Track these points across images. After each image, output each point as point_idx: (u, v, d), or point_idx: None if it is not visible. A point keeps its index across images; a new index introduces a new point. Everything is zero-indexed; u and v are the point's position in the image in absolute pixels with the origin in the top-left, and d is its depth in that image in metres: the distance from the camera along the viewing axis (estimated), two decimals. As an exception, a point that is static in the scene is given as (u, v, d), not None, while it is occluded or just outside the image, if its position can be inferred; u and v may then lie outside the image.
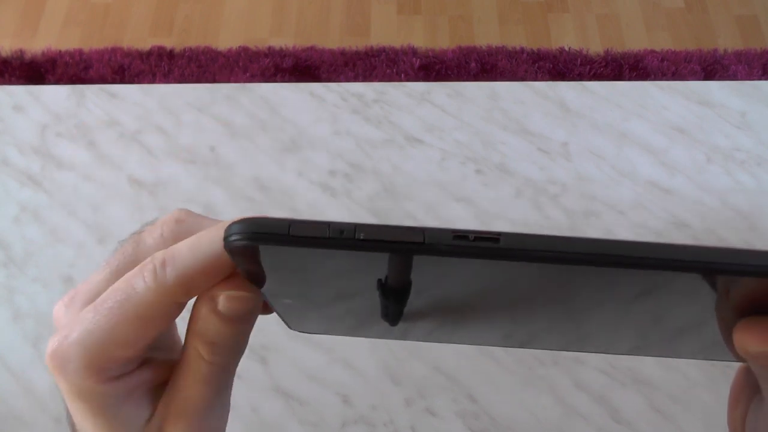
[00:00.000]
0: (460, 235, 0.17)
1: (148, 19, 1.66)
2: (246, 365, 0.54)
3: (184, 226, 0.23)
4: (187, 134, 0.67)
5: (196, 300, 0.22)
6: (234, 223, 0.18)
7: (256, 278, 0.21)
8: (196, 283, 0.21)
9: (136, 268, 0.21)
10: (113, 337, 0.21)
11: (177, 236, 0.23)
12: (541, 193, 0.63)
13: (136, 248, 0.23)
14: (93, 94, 0.70)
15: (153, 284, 0.21)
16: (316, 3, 1.69)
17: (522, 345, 0.26)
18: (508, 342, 0.25)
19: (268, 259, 0.19)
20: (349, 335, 0.26)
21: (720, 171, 0.65)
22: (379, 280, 0.20)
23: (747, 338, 0.19)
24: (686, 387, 0.54)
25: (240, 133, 0.67)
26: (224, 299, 0.21)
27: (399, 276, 0.19)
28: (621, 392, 0.54)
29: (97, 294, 0.22)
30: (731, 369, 0.54)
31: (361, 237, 0.17)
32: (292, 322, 0.24)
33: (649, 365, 0.55)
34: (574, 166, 0.65)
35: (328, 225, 0.17)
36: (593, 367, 0.55)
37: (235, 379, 0.21)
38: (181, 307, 0.21)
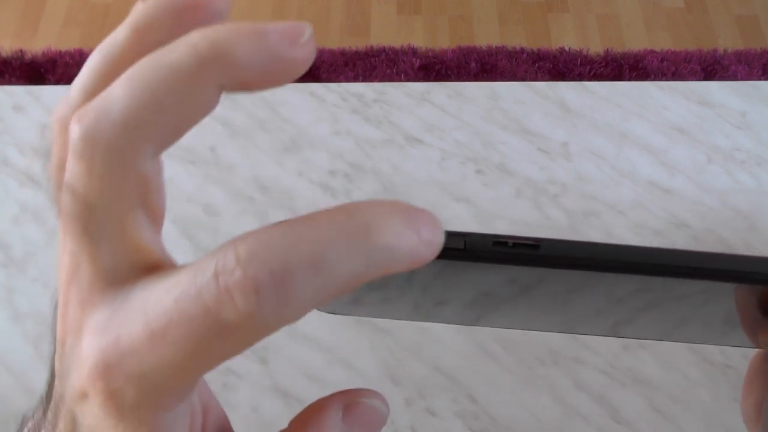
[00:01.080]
0: (500, 242, 0.17)
1: (148, 19, 1.66)
2: (246, 365, 0.54)
3: None
4: (187, 134, 0.67)
5: (322, 406, 0.18)
6: None
7: None
8: (318, 301, 0.15)
9: (216, 282, 0.15)
10: (181, 375, 0.15)
11: None
12: (541, 193, 0.63)
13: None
14: (93, 94, 0.70)
15: (250, 318, 0.14)
16: (316, 3, 1.69)
17: (569, 331, 0.26)
18: (556, 327, 0.26)
19: None
20: (379, 316, 0.26)
21: (720, 171, 0.65)
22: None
23: None
24: (686, 387, 0.54)
25: (240, 133, 0.67)
26: (360, 409, 0.18)
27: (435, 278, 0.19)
28: (621, 392, 0.54)
29: (107, 73, 0.17)
30: (731, 369, 0.54)
31: None
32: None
33: (649, 365, 0.55)
34: (574, 166, 0.65)
35: None
36: (593, 367, 0.55)
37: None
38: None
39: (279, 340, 0.56)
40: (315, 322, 0.56)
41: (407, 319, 0.26)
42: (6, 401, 0.54)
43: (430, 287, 0.22)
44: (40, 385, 0.54)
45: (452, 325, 0.56)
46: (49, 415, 0.18)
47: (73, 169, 0.16)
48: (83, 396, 0.16)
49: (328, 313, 0.25)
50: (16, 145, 0.66)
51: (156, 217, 0.17)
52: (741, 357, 0.55)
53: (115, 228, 0.16)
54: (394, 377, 0.54)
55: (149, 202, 0.16)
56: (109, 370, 0.15)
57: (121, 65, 0.17)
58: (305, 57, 0.16)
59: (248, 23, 0.16)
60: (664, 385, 0.54)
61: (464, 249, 0.18)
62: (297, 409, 0.20)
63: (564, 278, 0.18)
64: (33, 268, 0.60)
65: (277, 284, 0.14)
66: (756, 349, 0.26)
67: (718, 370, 0.54)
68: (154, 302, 0.15)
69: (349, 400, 0.19)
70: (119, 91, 0.16)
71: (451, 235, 0.17)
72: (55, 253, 0.60)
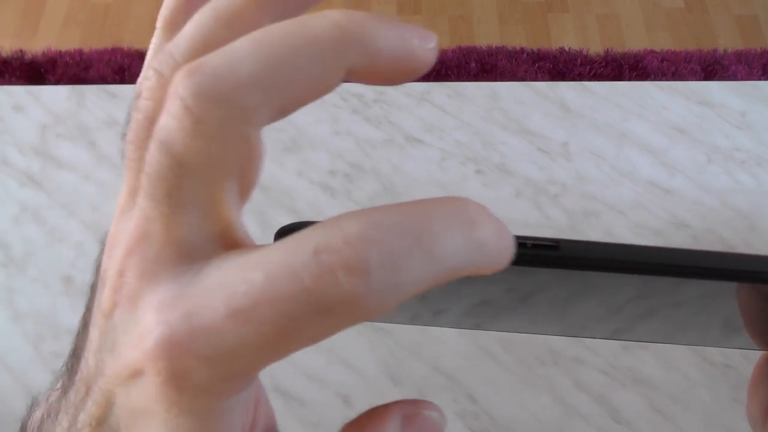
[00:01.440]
0: (519, 243, 0.17)
1: (149, 19, 1.66)
2: (246, 365, 0.54)
3: None
4: (187, 134, 0.67)
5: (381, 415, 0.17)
6: None
7: None
8: (420, 288, 0.14)
9: (316, 261, 0.13)
10: (259, 358, 0.14)
11: None
12: (541, 193, 0.63)
13: None
14: (93, 94, 0.70)
15: (356, 300, 0.13)
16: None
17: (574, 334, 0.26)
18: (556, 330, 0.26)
19: None
20: (381, 321, 0.26)
21: (720, 171, 0.65)
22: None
23: None
24: (686, 387, 0.54)
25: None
26: (421, 420, 0.18)
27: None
28: (621, 392, 0.54)
29: (199, 44, 0.16)
30: (731, 369, 0.54)
31: None
32: None
33: (649, 365, 0.55)
34: (574, 166, 0.65)
35: None
36: (593, 367, 0.55)
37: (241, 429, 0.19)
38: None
39: (279, 340, 0.56)
40: (315, 322, 0.56)
41: (410, 324, 0.26)
42: (6, 401, 0.54)
43: (434, 292, 0.22)
44: (40, 385, 0.54)
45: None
46: (72, 396, 0.17)
47: (173, 126, 0.14)
48: (135, 374, 0.14)
49: None
50: (16, 145, 0.66)
51: (246, 192, 0.16)
52: (741, 357, 0.55)
53: (205, 196, 0.15)
54: (394, 377, 0.54)
55: (246, 174, 0.15)
56: (176, 349, 0.14)
57: (239, 28, 0.15)
58: (430, 60, 0.16)
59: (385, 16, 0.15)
60: (664, 385, 0.54)
61: None
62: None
63: (578, 279, 0.18)
64: (33, 268, 0.60)
65: (388, 266, 0.13)
66: (761, 351, 0.26)
67: (718, 370, 0.54)
68: (239, 279, 0.14)
69: (408, 411, 0.18)
70: (247, 49, 0.14)
71: None
72: (55, 254, 0.60)
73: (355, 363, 0.55)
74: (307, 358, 0.55)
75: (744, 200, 0.63)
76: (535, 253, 0.17)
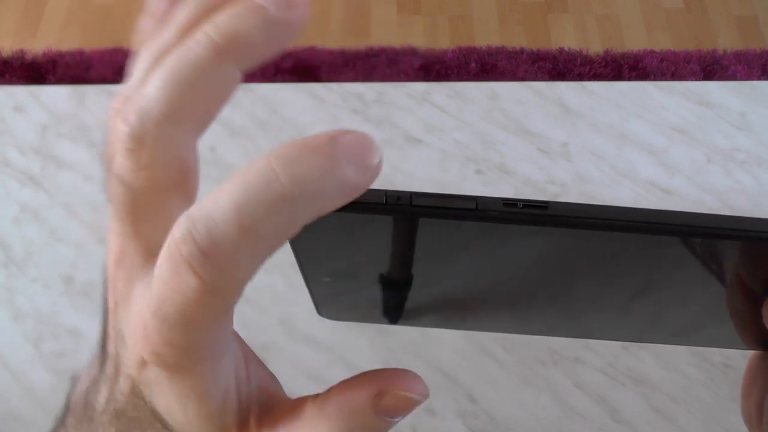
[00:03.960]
0: (509, 203, 0.18)
1: (148, 19, 1.66)
2: (246, 365, 0.54)
3: None
4: (188, 134, 0.67)
5: (353, 385, 0.19)
6: None
7: (302, 248, 0.21)
8: (264, 254, 0.17)
9: (168, 266, 0.17)
10: (190, 338, 0.17)
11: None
12: (541, 193, 0.63)
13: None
14: (94, 94, 0.70)
15: (205, 290, 0.16)
16: (316, 3, 1.69)
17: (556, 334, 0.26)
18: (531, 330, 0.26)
19: (319, 227, 0.19)
20: (379, 322, 0.26)
21: (720, 171, 0.65)
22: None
23: None
24: (686, 387, 0.54)
25: (240, 133, 0.67)
26: (393, 399, 0.19)
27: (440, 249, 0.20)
28: (621, 392, 0.54)
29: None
30: (731, 369, 0.54)
31: (418, 203, 0.18)
32: (323, 307, 0.25)
33: (649, 365, 0.55)
34: (574, 166, 0.65)
35: (384, 192, 0.18)
36: (593, 367, 0.55)
37: (235, 379, 0.21)
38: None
39: (279, 340, 0.56)
40: (315, 322, 0.56)
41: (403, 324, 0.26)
42: (6, 401, 0.54)
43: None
44: (39, 384, 0.54)
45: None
46: (108, 369, 0.21)
47: (122, 162, 0.18)
48: (142, 363, 0.19)
49: (329, 319, 0.25)
50: (16, 145, 0.66)
51: (190, 197, 0.19)
52: (741, 357, 0.55)
53: (156, 211, 0.18)
54: (394, 377, 0.54)
55: (186, 185, 0.18)
56: (149, 336, 0.17)
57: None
58: (301, 17, 0.18)
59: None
60: (664, 385, 0.54)
61: (476, 209, 0.18)
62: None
63: (569, 240, 0.19)
64: (33, 268, 0.60)
65: (210, 257, 0.16)
66: (753, 351, 0.26)
67: (718, 370, 0.54)
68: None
69: (382, 386, 0.19)
70: (153, 91, 0.17)
71: (463, 198, 0.18)
72: (55, 254, 0.60)
73: (355, 363, 0.55)
74: (307, 358, 0.55)
75: (744, 200, 0.63)
76: (526, 212, 0.18)
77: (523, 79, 1.55)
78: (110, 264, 0.19)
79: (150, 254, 0.18)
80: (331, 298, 0.24)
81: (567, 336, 0.26)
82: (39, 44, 1.62)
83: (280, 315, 0.57)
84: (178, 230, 0.16)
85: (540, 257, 0.20)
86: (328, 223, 0.18)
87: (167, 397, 0.19)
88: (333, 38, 1.63)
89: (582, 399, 0.53)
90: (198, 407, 0.19)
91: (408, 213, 0.18)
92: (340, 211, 0.17)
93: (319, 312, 0.25)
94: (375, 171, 0.16)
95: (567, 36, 1.65)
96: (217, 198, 0.16)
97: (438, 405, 0.53)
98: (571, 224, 0.18)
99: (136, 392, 0.20)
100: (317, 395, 0.20)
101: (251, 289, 0.25)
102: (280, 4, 0.17)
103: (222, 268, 0.16)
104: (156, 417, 0.20)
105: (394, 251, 0.20)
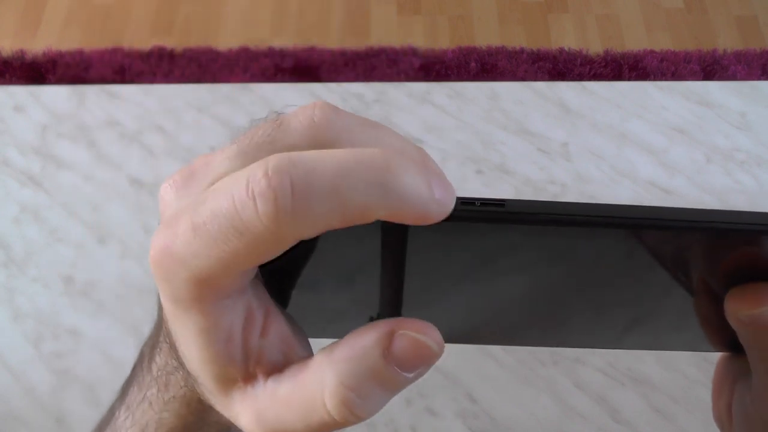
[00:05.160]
0: (467, 202, 0.18)
1: (149, 19, 1.66)
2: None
3: (331, 127, 0.18)
4: (188, 134, 0.67)
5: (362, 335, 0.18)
6: None
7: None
8: (330, 223, 0.16)
9: (246, 188, 0.16)
10: (218, 266, 0.17)
11: (318, 137, 0.18)
12: (541, 193, 0.63)
13: (276, 130, 0.19)
14: (93, 94, 0.70)
15: (268, 222, 0.16)
16: (316, 3, 1.69)
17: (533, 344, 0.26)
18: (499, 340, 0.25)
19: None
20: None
21: (720, 171, 0.65)
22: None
23: (738, 304, 0.20)
24: (686, 387, 0.54)
25: (240, 133, 0.67)
26: (403, 340, 0.18)
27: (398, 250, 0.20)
28: (621, 392, 0.54)
29: (217, 178, 0.18)
30: (731, 369, 0.54)
31: None
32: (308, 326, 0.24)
33: (649, 365, 0.55)
34: (574, 166, 0.65)
35: None
36: (593, 367, 0.55)
37: (243, 329, 0.21)
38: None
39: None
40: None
41: None
42: (6, 401, 0.54)
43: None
44: (39, 384, 0.54)
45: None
46: (160, 326, 0.24)
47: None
48: (166, 303, 0.19)
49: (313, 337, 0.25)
50: (16, 146, 0.66)
51: None
52: (741, 357, 0.55)
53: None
54: (394, 377, 0.54)
55: None
56: (161, 260, 0.18)
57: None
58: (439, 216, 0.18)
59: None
60: (663, 385, 0.54)
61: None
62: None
63: (529, 237, 0.19)
64: (33, 268, 0.60)
65: (296, 196, 0.16)
66: (720, 353, 0.26)
67: (717, 370, 0.55)
68: (200, 199, 0.17)
69: (391, 328, 0.18)
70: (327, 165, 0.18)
71: None
72: (55, 254, 0.60)
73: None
74: (307, 358, 0.55)
75: (744, 200, 0.63)
76: (482, 210, 0.18)
77: (523, 79, 1.55)
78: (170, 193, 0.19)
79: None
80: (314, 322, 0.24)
81: (542, 345, 0.26)
82: (39, 44, 1.62)
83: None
84: (274, 161, 0.16)
85: (511, 260, 0.20)
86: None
87: (181, 335, 0.19)
88: (333, 38, 1.63)
89: (582, 399, 0.53)
90: (200, 348, 0.19)
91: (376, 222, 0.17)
92: None
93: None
94: (441, 218, 0.17)
95: (567, 36, 1.65)
96: (323, 155, 0.16)
97: (438, 405, 0.53)
98: (528, 221, 0.18)
99: (167, 333, 0.21)
100: (328, 345, 0.20)
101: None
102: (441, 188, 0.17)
103: (298, 213, 0.16)
104: (179, 361, 0.21)
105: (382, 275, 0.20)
